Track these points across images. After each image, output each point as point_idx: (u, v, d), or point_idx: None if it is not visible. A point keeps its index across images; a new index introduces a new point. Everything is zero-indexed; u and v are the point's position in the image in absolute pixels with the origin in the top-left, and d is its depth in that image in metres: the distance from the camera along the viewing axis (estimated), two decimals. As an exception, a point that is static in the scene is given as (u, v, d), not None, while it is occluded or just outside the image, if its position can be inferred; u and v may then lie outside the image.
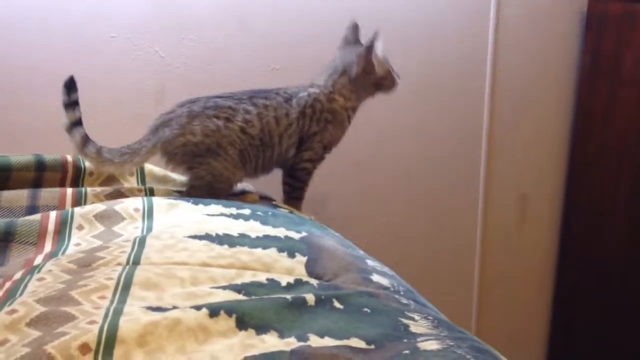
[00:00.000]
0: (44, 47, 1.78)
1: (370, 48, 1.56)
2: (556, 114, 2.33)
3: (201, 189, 1.49)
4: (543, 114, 2.32)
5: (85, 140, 1.46)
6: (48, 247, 1.19)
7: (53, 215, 1.25)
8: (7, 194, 1.39)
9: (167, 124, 1.49)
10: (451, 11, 2.13)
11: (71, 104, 1.46)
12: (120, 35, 1.83)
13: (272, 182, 1.62)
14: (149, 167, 1.59)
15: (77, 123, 1.47)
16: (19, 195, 1.39)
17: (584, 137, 2.30)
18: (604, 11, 2.19)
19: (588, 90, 2.26)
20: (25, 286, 0.96)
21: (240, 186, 1.60)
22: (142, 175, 1.57)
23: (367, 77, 1.58)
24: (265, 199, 1.59)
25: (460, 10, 2.14)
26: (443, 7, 2.12)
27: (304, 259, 1.14)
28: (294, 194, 1.60)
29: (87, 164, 1.53)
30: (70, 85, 1.47)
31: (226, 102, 1.51)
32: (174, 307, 0.90)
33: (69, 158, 1.52)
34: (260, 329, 0.88)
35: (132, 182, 1.54)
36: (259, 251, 1.14)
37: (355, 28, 1.65)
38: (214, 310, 0.88)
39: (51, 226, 1.22)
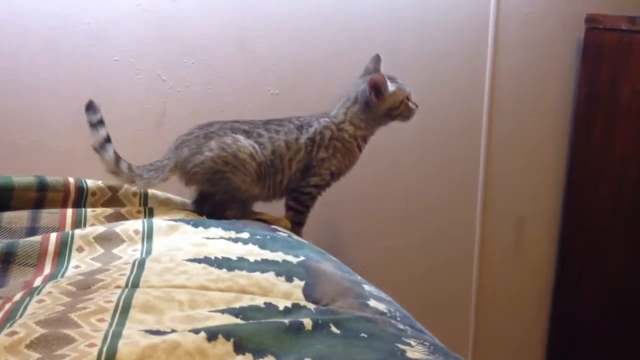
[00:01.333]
0: (48, 69, 1.80)
1: (375, 78, 1.57)
2: (554, 141, 2.36)
3: (223, 205, 1.52)
4: (540, 140, 2.34)
5: (117, 157, 1.51)
6: (47, 269, 1.19)
7: (53, 237, 1.26)
8: (8, 215, 1.40)
9: (186, 144, 1.53)
10: (449, 38, 2.16)
11: (96, 124, 1.51)
12: (123, 58, 1.85)
13: (275, 205, 1.63)
14: (152, 191, 1.61)
15: (106, 141, 1.51)
16: (20, 216, 1.40)
17: (582, 163, 2.32)
18: (600, 40, 2.22)
19: (585, 118, 2.29)
20: (25, 308, 0.97)
21: None
22: (145, 197, 1.58)
23: (377, 106, 1.59)
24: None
25: (459, 39, 2.17)
26: (441, 33, 2.15)
27: (302, 283, 1.15)
28: (296, 219, 1.61)
29: (90, 184, 1.55)
30: (90, 107, 1.52)
31: (241, 126, 1.56)
32: (173, 331, 0.90)
33: (71, 180, 1.53)
34: (258, 353, 0.88)
35: (135, 203, 1.55)
36: (257, 275, 1.15)
37: (377, 59, 1.67)
38: (212, 334, 0.88)
39: (51, 248, 1.23)
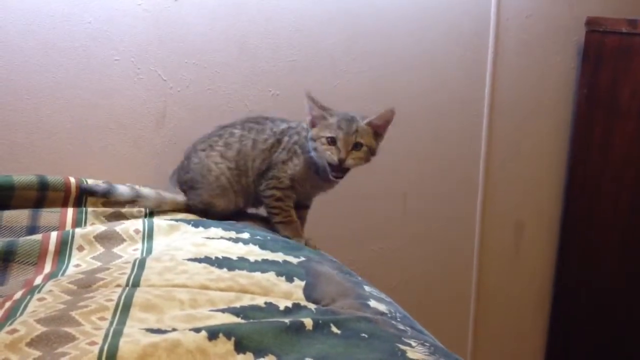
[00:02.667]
0: (49, 68, 1.80)
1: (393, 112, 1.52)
2: (553, 144, 2.36)
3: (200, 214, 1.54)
4: (540, 142, 2.34)
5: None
6: (48, 267, 1.19)
7: (54, 235, 1.26)
8: (9, 214, 1.40)
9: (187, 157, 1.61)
10: (449, 42, 2.16)
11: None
12: (124, 58, 1.85)
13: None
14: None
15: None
16: (20, 215, 1.40)
17: (581, 167, 2.32)
18: (601, 43, 2.22)
19: (585, 121, 2.29)
20: (26, 306, 0.97)
21: None
22: None
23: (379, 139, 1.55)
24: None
25: (459, 42, 2.17)
26: (442, 36, 2.15)
27: (302, 283, 1.15)
28: (272, 220, 1.56)
29: (90, 183, 1.54)
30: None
31: (218, 131, 1.58)
32: (173, 329, 0.90)
33: (72, 179, 1.53)
34: (259, 353, 0.88)
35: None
36: (257, 275, 1.15)
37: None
38: (212, 333, 0.88)
39: (52, 246, 1.23)
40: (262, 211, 1.65)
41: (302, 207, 1.62)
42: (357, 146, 1.47)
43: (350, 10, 2.04)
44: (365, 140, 1.48)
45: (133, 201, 1.51)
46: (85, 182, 1.55)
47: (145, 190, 1.53)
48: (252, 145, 1.54)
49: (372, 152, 1.50)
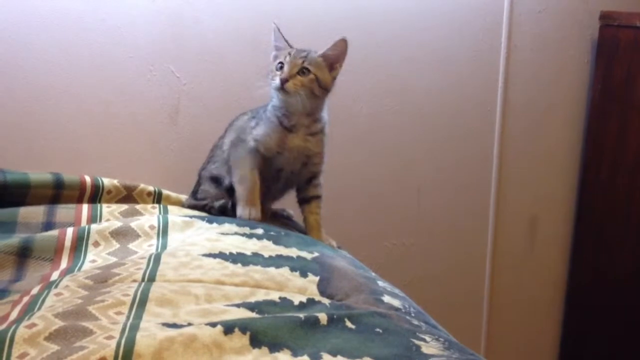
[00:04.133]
0: (64, 67, 1.81)
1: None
2: (568, 139, 2.35)
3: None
4: (554, 138, 2.33)
5: None
6: (64, 263, 1.20)
7: (70, 231, 1.27)
8: (24, 210, 1.41)
9: None
10: (462, 38, 2.16)
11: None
12: (138, 56, 1.86)
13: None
14: (165, 191, 1.62)
15: None
16: (36, 211, 1.41)
17: (596, 161, 2.31)
18: (615, 37, 2.21)
19: (599, 115, 2.28)
20: (43, 301, 0.97)
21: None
22: (158, 197, 1.60)
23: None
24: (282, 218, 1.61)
25: (472, 39, 2.17)
26: (455, 32, 2.15)
27: (316, 278, 1.15)
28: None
29: (106, 183, 1.55)
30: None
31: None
32: (189, 324, 0.91)
33: (87, 178, 1.54)
34: (274, 347, 0.89)
35: (149, 203, 1.56)
36: (271, 270, 1.15)
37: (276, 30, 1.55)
38: (228, 328, 0.89)
39: (68, 242, 1.24)
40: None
41: (307, 199, 1.56)
42: (303, 71, 1.45)
43: (362, 7, 2.04)
44: (315, 69, 1.45)
45: None
46: (99, 181, 1.56)
47: None
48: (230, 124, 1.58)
49: (321, 84, 1.47)
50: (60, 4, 1.78)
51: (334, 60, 1.49)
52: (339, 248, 1.51)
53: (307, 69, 1.45)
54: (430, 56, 2.14)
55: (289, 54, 1.46)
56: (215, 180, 1.57)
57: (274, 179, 1.52)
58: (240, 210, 1.47)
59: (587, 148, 2.33)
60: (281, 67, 1.45)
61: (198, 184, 1.63)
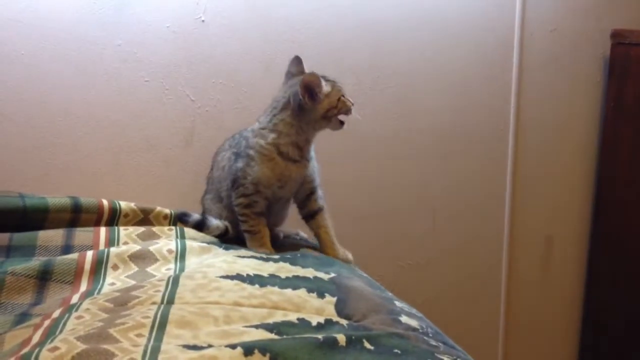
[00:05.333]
0: (80, 90, 1.84)
1: (308, 78, 1.43)
2: (581, 158, 2.34)
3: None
4: (568, 156, 2.33)
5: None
6: (84, 286, 1.22)
7: (89, 254, 1.29)
8: (43, 234, 1.43)
9: None
10: (474, 58, 2.17)
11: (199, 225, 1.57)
12: (153, 79, 1.89)
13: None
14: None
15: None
16: (55, 235, 1.43)
17: (610, 179, 2.30)
18: (627, 55, 2.21)
19: (613, 133, 2.27)
20: (65, 324, 0.98)
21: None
22: (175, 219, 1.61)
23: (313, 109, 1.44)
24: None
25: (484, 58, 2.18)
26: (465, 55, 2.16)
27: (334, 299, 1.16)
28: (242, 227, 1.51)
29: (123, 206, 1.57)
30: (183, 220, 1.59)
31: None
32: (209, 346, 0.92)
33: (105, 201, 1.56)
34: (293, 368, 0.89)
35: (164, 225, 1.58)
36: (289, 291, 1.16)
37: (298, 61, 1.53)
38: (248, 349, 0.89)
39: (87, 266, 1.26)
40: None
41: (310, 214, 1.55)
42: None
43: (374, 28, 2.06)
44: None
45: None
46: (117, 205, 1.57)
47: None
48: (221, 159, 1.57)
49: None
50: (78, 30, 1.81)
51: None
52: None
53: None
54: (443, 76, 2.15)
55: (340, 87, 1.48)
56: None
57: (274, 202, 1.52)
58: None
59: (600, 166, 2.32)
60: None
61: (203, 211, 1.64)
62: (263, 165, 1.45)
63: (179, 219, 1.59)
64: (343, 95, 1.47)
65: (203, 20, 1.90)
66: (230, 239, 1.53)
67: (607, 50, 2.25)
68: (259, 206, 1.48)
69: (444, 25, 2.12)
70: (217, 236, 1.54)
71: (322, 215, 1.55)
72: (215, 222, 1.53)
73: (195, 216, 1.57)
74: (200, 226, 1.54)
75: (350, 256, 1.53)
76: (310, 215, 1.54)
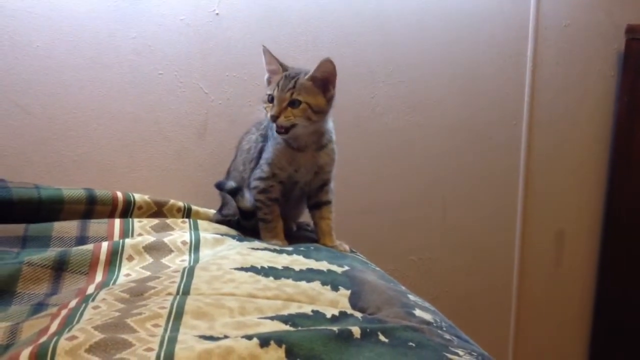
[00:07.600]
0: (95, 83, 1.85)
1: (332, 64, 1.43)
2: (594, 152, 2.34)
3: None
4: (581, 151, 2.33)
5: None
6: (99, 276, 1.22)
7: (105, 245, 1.29)
8: (59, 225, 1.44)
9: None
10: (488, 53, 2.17)
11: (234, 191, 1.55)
12: (167, 72, 1.89)
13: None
14: (195, 207, 1.64)
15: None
16: (70, 226, 1.44)
17: (623, 175, 2.29)
18: (641, 51, 2.20)
19: (626, 128, 2.27)
20: (82, 314, 0.99)
21: None
22: (188, 213, 1.62)
23: (333, 96, 1.46)
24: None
25: (497, 53, 2.17)
26: (480, 50, 2.16)
27: (348, 292, 1.16)
28: (258, 215, 1.52)
29: (137, 198, 1.58)
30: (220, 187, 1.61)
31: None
32: (225, 336, 0.92)
33: (119, 194, 1.57)
34: (309, 360, 0.89)
35: (178, 217, 1.59)
36: (303, 284, 1.16)
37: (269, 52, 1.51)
38: (264, 340, 0.90)
39: (102, 256, 1.27)
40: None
41: (317, 205, 1.56)
42: (294, 103, 1.41)
43: (388, 22, 2.06)
44: (305, 96, 1.41)
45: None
46: (131, 197, 1.58)
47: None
48: (249, 140, 1.60)
49: (315, 109, 1.43)
50: (93, 23, 1.82)
51: (324, 82, 1.44)
52: (352, 252, 1.52)
53: (297, 100, 1.41)
54: (457, 71, 2.15)
55: (278, 85, 1.43)
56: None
57: (290, 190, 1.54)
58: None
59: (614, 161, 2.32)
60: (272, 100, 1.43)
61: (222, 201, 1.65)
62: (276, 149, 1.48)
63: (216, 186, 1.60)
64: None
65: (217, 13, 1.90)
66: (245, 227, 1.54)
67: (621, 45, 2.24)
68: (274, 191, 1.50)
69: (458, 19, 2.12)
70: (237, 221, 1.55)
71: (328, 208, 1.57)
72: (247, 194, 1.53)
73: (232, 183, 1.57)
74: (235, 193, 1.54)
75: (347, 247, 1.54)
76: (317, 205, 1.56)
